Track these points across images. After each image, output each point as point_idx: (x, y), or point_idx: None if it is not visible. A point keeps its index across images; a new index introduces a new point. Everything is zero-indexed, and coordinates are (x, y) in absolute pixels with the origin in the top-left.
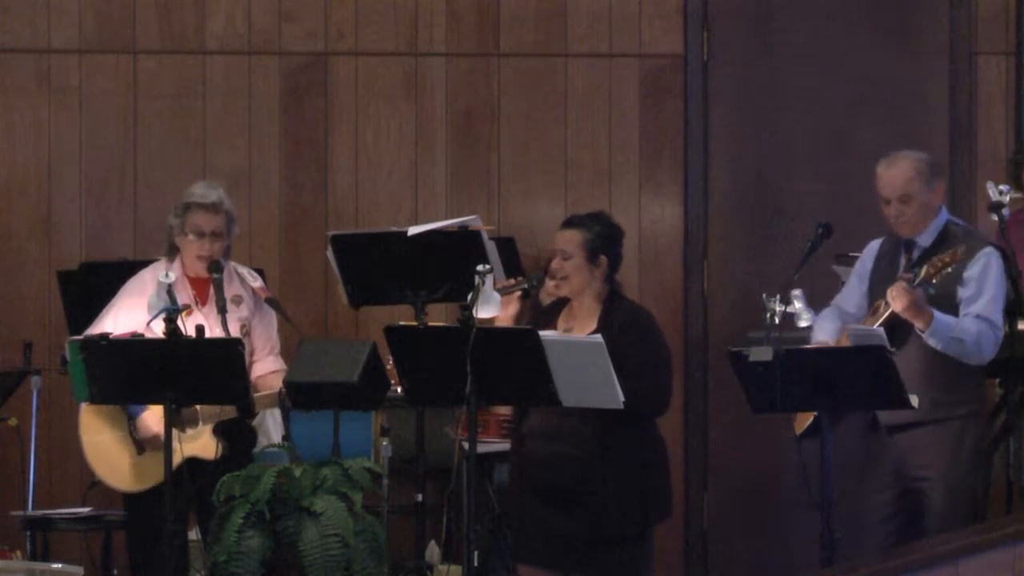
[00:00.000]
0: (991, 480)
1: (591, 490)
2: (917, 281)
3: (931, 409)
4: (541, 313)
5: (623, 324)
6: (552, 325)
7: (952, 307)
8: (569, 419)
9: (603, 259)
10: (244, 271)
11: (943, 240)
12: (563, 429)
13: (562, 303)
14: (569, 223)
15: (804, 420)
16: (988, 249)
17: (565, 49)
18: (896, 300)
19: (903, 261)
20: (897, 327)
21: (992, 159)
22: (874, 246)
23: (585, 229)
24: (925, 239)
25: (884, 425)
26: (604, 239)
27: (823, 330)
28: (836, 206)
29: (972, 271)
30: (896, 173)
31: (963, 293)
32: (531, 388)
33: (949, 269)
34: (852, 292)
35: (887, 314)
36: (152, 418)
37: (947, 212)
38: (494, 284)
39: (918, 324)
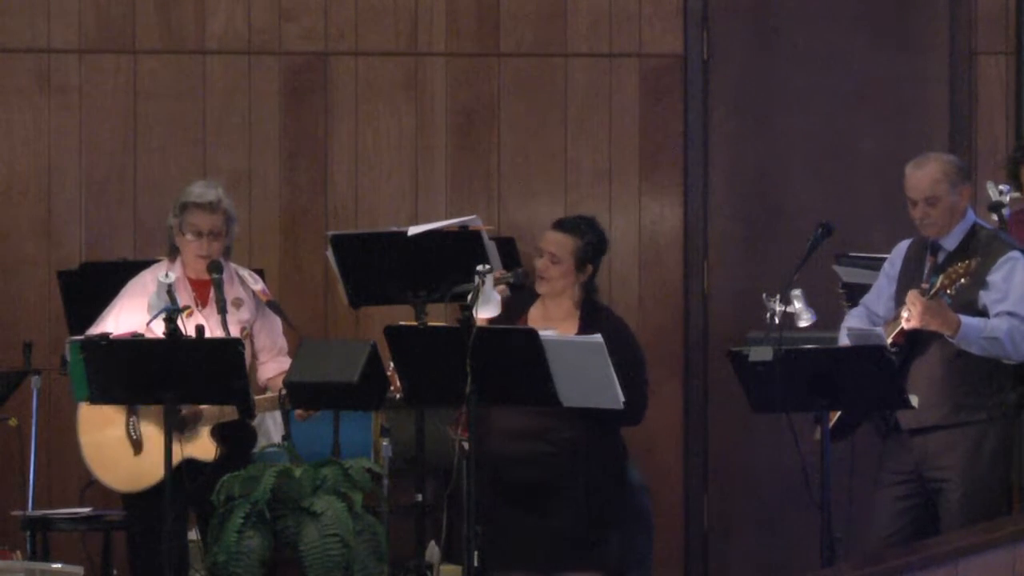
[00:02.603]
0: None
1: (573, 484)
2: (932, 291)
3: (952, 413)
4: (506, 303)
5: (604, 333)
6: (522, 317)
7: (973, 313)
8: (545, 417)
9: (589, 267)
10: (245, 273)
11: (968, 243)
12: (538, 427)
13: (530, 298)
14: (562, 226)
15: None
16: (1013, 253)
17: (565, 49)
18: (912, 314)
19: (928, 263)
20: (919, 332)
21: (992, 159)
22: (903, 247)
23: (578, 236)
24: (950, 242)
25: (905, 428)
26: (594, 248)
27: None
28: (836, 206)
29: (996, 276)
30: (923, 174)
31: (987, 297)
32: (531, 388)
33: (963, 280)
34: (880, 293)
35: (897, 329)
36: None
37: (974, 214)
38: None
39: (946, 331)
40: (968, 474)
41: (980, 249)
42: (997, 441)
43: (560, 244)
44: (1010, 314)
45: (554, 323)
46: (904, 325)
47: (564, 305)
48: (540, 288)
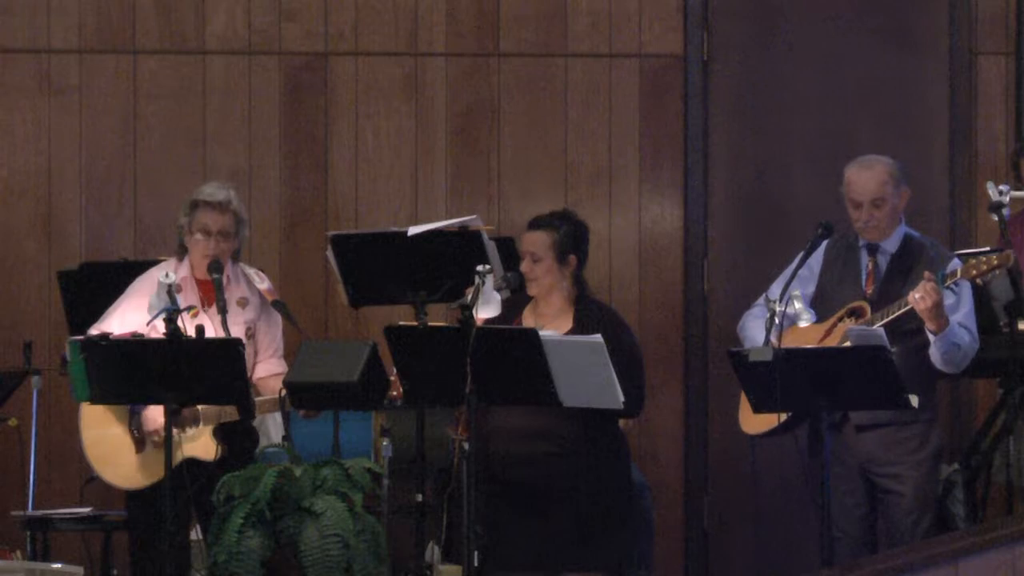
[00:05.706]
0: (990, 480)
1: (574, 484)
2: (947, 282)
3: (900, 411)
4: (504, 305)
5: (598, 326)
6: (516, 320)
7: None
8: (547, 417)
9: (572, 258)
10: (252, 272)
11: (908, 246)
12: (539, 427)
13: (523, 299)
14: (536, 224)
15: (750, 416)
16: (957, 260)
17: (565, 49)
18: (925, 300)
19: (867, 265)
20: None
21: (992, 159)
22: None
23: (553, 230)
24: (891, 244)
25: (856, 424)
26: (572, 238)
27: (760, 329)
28: (836, 206)
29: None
30: (871, 176)
31: (944, 299)
32: (531, 388)
33: (996, 272)
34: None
35: (896, 315)
36: (155, 411)
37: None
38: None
39: (933, 326)
40: (916, 474)
41: (925, 252)
42: (938, 440)
43: (537, 242)
44: (962, 326)
45: (547, 321)
46: (912, 304)
47: (556, 303)
48: (530, 290)
